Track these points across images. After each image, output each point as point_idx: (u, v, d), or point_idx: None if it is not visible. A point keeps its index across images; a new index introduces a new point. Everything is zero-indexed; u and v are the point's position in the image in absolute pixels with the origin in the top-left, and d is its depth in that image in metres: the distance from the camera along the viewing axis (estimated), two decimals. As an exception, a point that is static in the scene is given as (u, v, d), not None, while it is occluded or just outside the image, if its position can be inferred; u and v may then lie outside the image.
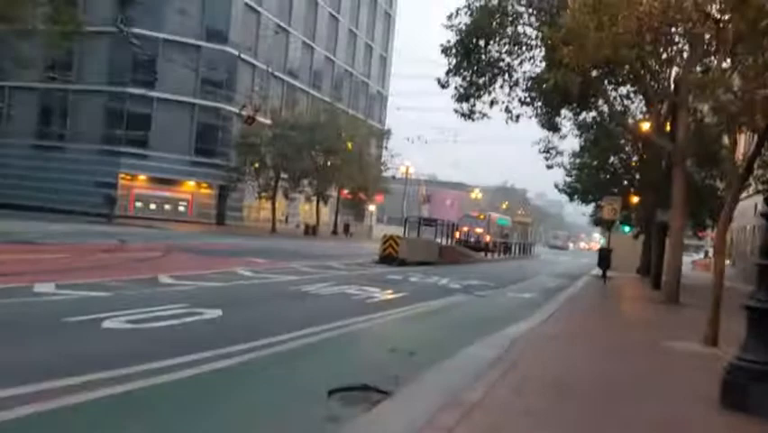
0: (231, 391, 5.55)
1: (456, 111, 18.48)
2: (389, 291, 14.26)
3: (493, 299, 15.69)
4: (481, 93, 17.99)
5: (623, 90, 23.58)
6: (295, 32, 59.65)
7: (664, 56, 19.97)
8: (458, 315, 12.43)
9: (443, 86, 18.65)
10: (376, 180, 56.63)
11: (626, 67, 21.71)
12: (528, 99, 20.23)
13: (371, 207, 67.09)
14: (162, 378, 5.64)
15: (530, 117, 20.28)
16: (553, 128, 22.39)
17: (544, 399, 5.78)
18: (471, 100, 18.18)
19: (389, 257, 23.52)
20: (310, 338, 8.18)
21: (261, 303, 11.10)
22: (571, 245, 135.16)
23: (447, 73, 18.47)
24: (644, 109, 23.60)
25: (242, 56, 51.81)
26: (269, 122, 48.59)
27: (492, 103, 18.76)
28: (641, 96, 24.24)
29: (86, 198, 46.22)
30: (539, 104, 20.98)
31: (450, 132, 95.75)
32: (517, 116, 19.21)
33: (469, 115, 18.47)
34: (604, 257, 27.75)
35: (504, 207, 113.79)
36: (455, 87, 18.25)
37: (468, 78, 17.88)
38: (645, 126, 20.97)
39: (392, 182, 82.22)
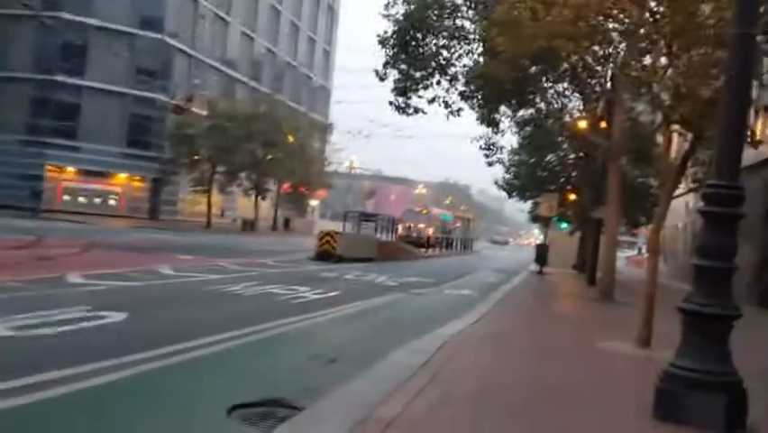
0: (109, 413, 4.82)
1: (391, 104, 17.97)
2: (320, 291, 13.64)
3: (429, 298, 15.27)
4: (418, 87, 17.52)
5: (560, 87, 23.59)
6: (234, 22, 58.19)
7: (601, 53, 20.00)
8: (390, 315, 11.93)
9: (382, 78, 18.12)
10: (318, 175, 55.77)
11: (564, 64, 21.79)
12: (468, 93, 19.93)
13: (314, 202, 66.15)
14: (20, 400, 4.69)
15: (472, 110, 19.94)
16: (492, 124, 22.16)
17: (469, 409, 5.30)
18: (408, 94, 17.68)
19: (326, 254, 22.90)
20: (222, 345, 7.51)
21: (177, 305, 10.33)
22: (511, 241, 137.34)
23: (384, 65, 17.95)
24: (582, 107, 23.64)
25: (178, 45, 50.19)
26: (204, 113, 47.18)
27: (433, 100, 18.33)
28: (578, 95, 24.37)
29: (11, 191, 43.84)
30: (478, 99, 20.74)
31: (392, 126, 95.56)
32: (458, 110, 18.85)
33: (404, 109, 17.98)
34: (541, 253, 27.87)
35: (447, 202, 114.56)
36: (393, 81, 17.75)
37: (405, 72, 17.38)
38: (582, 124, 20.96)
39: (337, 177, 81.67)
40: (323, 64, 77.43)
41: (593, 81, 20.53)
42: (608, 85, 20.88)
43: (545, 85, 21.46)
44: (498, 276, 25.63)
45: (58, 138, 45.64)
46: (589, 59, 19.32)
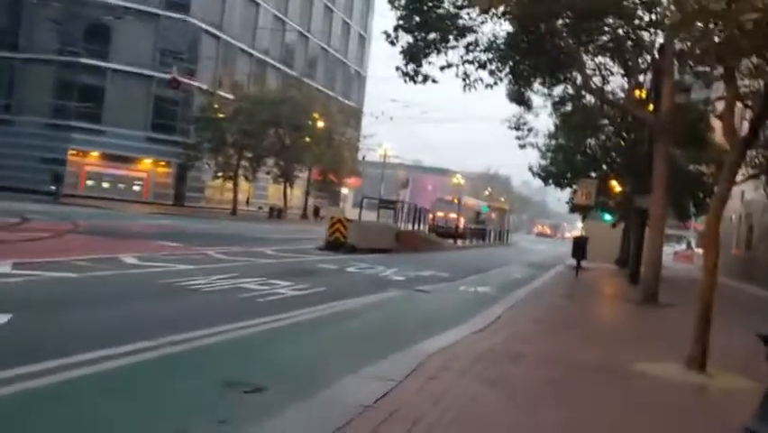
0: None
1: (398, 69, 15.71)
2: (304, 286, 11.56)
3: (436, 295, 13.05)
4: (430, 51, 15.20)
5: (600, 59, 21.02)
6: (265, 5, 56.37)
7: (646, 18, 17.45)
8: (374, 319, 9.79)
9: (393, 42, 15.86)
10: (348, 162, 53.71)
11: (604, 37, 19.21)
12: (494, 65, 17.62)
13: (345, 191, 64.22)
14: None
15: (493, 85, 17.57)
16: (522, 102, 19.74)
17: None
18: (420, 60, 15.39)
19: (336, 243, 20.84)
20: (122, 360, 5.55)
21: (102, 303, 8.36)
22: (559, 234, 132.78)
23: (395, 29, 15.70)
24: (625, 84, 21.00)
25: (206, 27, 48.66)
26: (231, 96, 45.57)
27: (447, 66, 16.02)
28: (621, 70, 21.71)
29: (32, 174, 43.07)
30: (508, 71, 18.39)
31: (418, 107, 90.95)
32: (476, 81, 16.48)
33: (412, 77, 15.70)
34: (579, 246, 25.21)
35: (487, 193, 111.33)
36: (402, 46, 15.48)
37: (417, 35, 15.09)
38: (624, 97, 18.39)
39: (371, 166, 79.49)
40: (358, 50, 75.19)
41: (637, 50, 17.96)
42: (655, 54, 18.34)
43: (584, 57, 18.94)
44: (529, 271, 23.21)
45: (81, 121, 44.62)
46: (631, 29, 16.86)
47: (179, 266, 12.30)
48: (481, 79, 17.16)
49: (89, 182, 46.22)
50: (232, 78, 49.45)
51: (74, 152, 45.16)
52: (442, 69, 15.48)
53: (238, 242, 20.37)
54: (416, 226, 29.62)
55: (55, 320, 6.97)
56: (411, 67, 15.41)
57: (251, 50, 54.29)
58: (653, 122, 15.18)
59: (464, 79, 16.83)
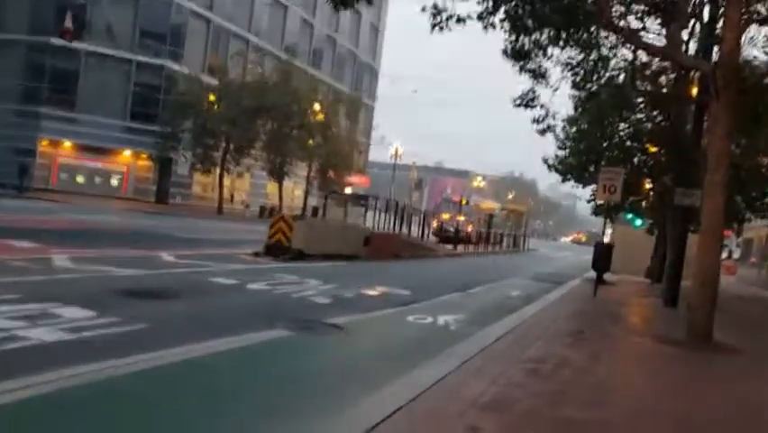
0: None
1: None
2: (115, 320, 6.80)
3: (350, 336, 8.06)
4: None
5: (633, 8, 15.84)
6: (263, -14, 51.78)
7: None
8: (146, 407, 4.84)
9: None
10: (348, 158, 48.76)
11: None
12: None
13: (347, 190, 59.27)
14: None
15: (486, 27, 12.88)
16: (522, 57, 14.65)
17: None
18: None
19: (278, 247, 15.95)
20: None
21: None
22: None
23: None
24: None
25: (193, 8, 44.26)
26: (216, 82, 41.09)
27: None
28: (659, 24, 16.46)
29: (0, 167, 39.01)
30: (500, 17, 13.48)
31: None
32: (449, 19, 11.74)
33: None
34: (601, 255, 19.90)
35: (510, 197, 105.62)
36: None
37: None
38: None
39: (384, 167, 74.41)
40: (370, 40, 70.25)
41: None
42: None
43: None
44: (534, 287, 18.07)
45: (53, 108, 40.44)
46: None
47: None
48: (460, 19, 12.35)
49: (63, 175, 42.02)
50: (222, 64, 45.05)
51: (45, 142, 41.01)
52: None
53: (153, 243, 15.63)
54: (405, 229, 24.61)
55: None
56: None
57: (246, 34, 49.66)
58: (709, 69, 10.00)
59: (434, 14, 12.04)
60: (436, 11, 12.51)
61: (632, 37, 12.81)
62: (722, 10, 11.30)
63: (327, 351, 7.20)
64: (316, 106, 40.63)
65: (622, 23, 13.62)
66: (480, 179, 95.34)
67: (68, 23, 30.26)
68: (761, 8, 11.37)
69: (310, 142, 41.37)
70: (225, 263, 13.36)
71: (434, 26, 12.72)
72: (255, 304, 9.36)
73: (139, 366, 5.45)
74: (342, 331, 8.13)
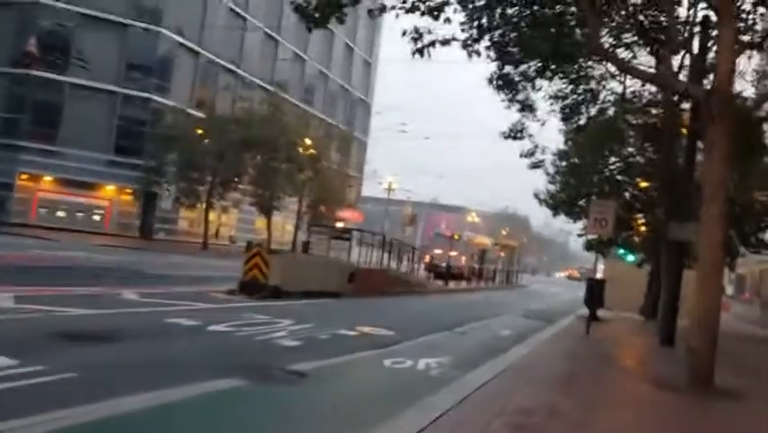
0: None
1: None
2: (30, 369, 5.90)
3: (313, 387, 7.16)
4: None
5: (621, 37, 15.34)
6: (254, 21, 51.59)
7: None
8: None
9: None
10: (339, 193, 48.02)
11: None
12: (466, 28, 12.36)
13: (339, 225, 58.40)
14: None
15: (471, 55, 12.31)
16: (508, 86, 14.07)
17: None
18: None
19: (254, 284, 15.06)
20: None
21: None
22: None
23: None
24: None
25: (181, 40, 43.89)
26: (202, 115, 40.52)
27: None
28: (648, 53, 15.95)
29: (-24, 201, 38.09)
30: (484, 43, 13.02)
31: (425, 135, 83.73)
32: (430, 45, 11.10)
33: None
34: (594, 292, 19.12)
35: (504, 233, 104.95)
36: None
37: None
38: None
39: (378, 202, 73.63)
40: (362, 76, 70.16)
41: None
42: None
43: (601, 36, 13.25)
44: (525, 325, 17.19)
45: (34, 141, 39.54)
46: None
47: None
48: (442, 42, 11.75)
49: (42, 210, 40.99)
50: (211, 97, 44.61)
51: (25, 176, 40.10)
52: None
53: (118, 280, 14.72)
54: (394, 264, 23.76)
55: None
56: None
57: (235, 69, 49.28)
58: (703, 97, 9.34)
59: (414, 39, 11.43)
60: (417, 35, 11.92)
61: (623, 64, 12.20)
62: (715, 32, 10.71)
63: (281, 403, 6.30)
64: (307, 141, 39.97)
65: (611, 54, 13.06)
66: (474, 214, 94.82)
67: (31, 47, 29.43)
68: (744, 38, 10.81)
69: (301, 176, 40.59)
70: (192, 302, 12.44)
71: (414, 52, 12.13)
72: (212, 348, 8.47)
73: (47, 427, 4.58)
74: (304, 379, 7.24)
